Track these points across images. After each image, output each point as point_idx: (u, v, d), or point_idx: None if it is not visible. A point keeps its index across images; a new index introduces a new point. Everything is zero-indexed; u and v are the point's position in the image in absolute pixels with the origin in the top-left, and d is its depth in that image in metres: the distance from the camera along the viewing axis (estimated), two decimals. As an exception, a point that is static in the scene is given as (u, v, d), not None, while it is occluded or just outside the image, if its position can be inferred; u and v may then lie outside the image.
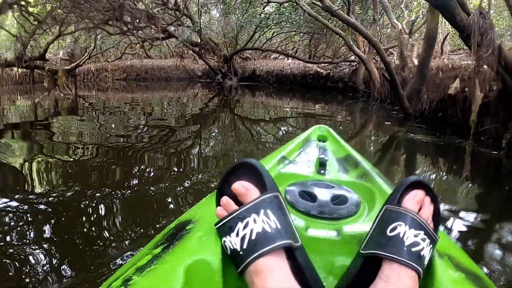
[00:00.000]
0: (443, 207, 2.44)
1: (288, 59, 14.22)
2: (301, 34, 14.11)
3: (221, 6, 14.27)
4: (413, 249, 0.72)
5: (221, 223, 0.76)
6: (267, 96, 10.53)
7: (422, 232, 0.74)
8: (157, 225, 2.11)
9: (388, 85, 7.28)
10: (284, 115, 7.13)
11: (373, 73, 8.11)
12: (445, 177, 3.34)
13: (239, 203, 0.77)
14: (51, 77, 11.23)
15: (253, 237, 0.70)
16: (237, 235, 0.72)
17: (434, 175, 3.35)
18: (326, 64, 12.03)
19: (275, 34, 14.80)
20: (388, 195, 0.85)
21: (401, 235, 0.73)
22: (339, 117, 6.73)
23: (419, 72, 5.86)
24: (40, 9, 10.72)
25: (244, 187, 0.77)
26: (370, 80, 8.41)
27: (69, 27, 11.62)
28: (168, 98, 10.42)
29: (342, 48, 12.67)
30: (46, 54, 12.36)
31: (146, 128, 5.39)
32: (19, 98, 10.30)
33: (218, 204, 0.81)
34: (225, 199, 0.79)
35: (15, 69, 12.33)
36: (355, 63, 10.64)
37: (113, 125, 5.67)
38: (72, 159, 3.60)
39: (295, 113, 7.23)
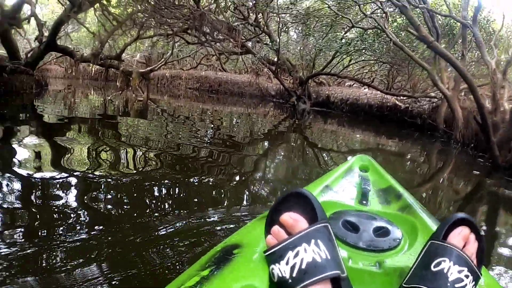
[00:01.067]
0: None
1: (364, 88, 13.72)
2: (380, 63, 13.63)
3: (300, 27, 14.10)
4: (456, 286, 0.72)
5: (271, 250, 0.76)
6: (339, 125, 10.13)
7: (466, 269, 0.74)
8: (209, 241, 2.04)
9: (472, 128, 6.69)
10: (354, 147, 6.78)
11: (456, 113, 7.49)
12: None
13: (289, 233, 0.78)
14: (125, 78, 11.60)
15: (303, 266, 0.71)
16: (287, 263, 0.72)
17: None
18: (405, 98, 11.42)
19: (353, 61, 14.42)
20: (430, 229, 0.90)
21: (445, 271, 0.74)
22: (412, 155, 6.24)
23: (512, 118, 5.27)
24: (121, 11, 11.08)
25: (292, 219, 0.79)
26: (453, 119, 7.78)
27: (148, 31, 11.96)
28: (238, 113, 10.41)
29: (422, 83, 12.06)
30: (123, 55, 12.74)
31: (212, 139, 5.36)
32: (92, 92, 10.72)
33: (268, 232, 0.82)
34: (276, 228, 0.80)
35: (92, 65, 12.83)
36: (436, 99, 10.00)
37: (180, 133, 5.66)
38: (133, 158, 3.72)
39: (366, 146, 6.87)
